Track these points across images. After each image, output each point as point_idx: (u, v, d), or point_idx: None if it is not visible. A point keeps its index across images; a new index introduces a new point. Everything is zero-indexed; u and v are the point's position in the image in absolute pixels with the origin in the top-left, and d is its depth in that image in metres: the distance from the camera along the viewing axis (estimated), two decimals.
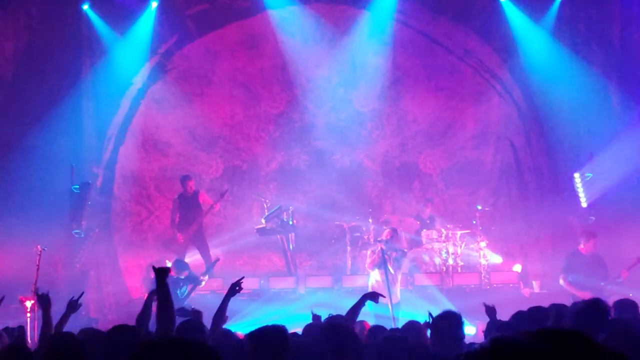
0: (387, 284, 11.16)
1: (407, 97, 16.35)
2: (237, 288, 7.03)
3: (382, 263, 11.54)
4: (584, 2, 14.61)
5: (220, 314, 6.77)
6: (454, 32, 15.67)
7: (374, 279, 11.91)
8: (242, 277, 7.21)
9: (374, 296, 7.84)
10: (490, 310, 7.36)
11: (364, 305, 7.47)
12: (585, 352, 1.90)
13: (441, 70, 16.22)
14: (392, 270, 11.62)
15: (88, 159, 14.69)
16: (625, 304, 7.57)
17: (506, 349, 1.87)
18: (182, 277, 12.35)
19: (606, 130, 14.43)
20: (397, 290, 11.74)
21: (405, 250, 12.88)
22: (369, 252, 12.55)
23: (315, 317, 7.94)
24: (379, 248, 11.71)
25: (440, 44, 16.08)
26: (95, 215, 14.70)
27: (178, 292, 12.00)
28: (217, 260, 13.29)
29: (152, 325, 5.77)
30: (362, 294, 7.68)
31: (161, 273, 5.49)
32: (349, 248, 14.81)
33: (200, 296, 12.39)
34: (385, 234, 12.14)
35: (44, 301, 6.63)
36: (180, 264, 12.69)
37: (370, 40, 15.92)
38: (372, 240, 14.29)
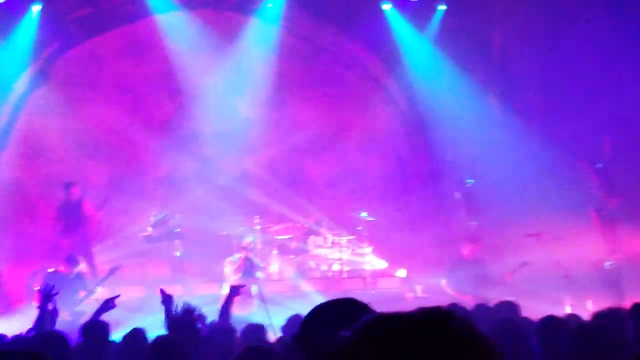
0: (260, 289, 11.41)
1: (293, 104, 16.38)
2: (110, 305, 7.00)
3: (248, 269, 11.86)
4: (465, 13, 15.01)
5: None
6: (340, 41, 15.89)
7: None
8: (118, 295, 7.19)
9: (237, 288, 7.95)
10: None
11: (233, 301, 7.55)
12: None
13: (327, 78, 16.37)
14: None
15: None
16: (504, 305, 7.96)
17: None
18: (76, 274, 12.22)
19: (487, 137, 14.91)
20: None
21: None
22: (228, 260, 12.84)
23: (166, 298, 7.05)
24: (244, 255, 12.06)
25: (326, 52, 16.26)
26: None
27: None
28: (118, 267, 12.96)
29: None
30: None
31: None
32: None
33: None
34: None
35: None
36: (73, 259, 12.64)
37: (257, 48, 15.94)
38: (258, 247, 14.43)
